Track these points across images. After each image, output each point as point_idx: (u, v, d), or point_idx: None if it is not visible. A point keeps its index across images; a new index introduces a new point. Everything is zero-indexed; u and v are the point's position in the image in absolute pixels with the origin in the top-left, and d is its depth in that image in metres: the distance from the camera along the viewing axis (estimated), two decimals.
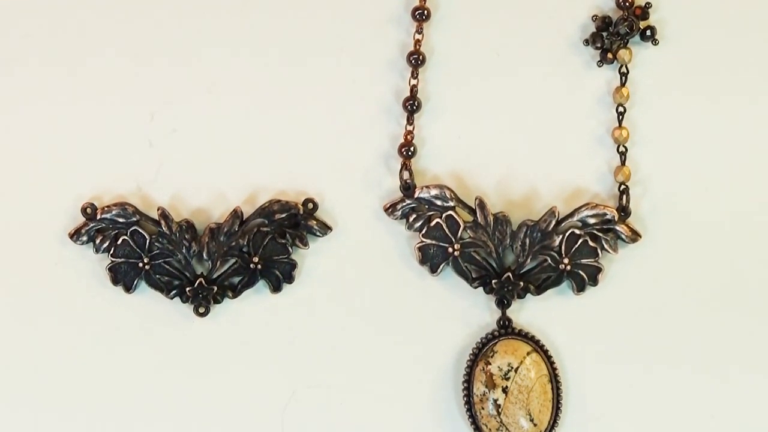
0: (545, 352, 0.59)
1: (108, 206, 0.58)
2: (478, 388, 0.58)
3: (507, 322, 0.59)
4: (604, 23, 0.59)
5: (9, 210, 0.60)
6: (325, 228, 0.59)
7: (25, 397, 0.60)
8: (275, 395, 0.60)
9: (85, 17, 0.61)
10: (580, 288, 0.59)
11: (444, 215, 0.59)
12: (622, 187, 0.59)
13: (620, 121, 0.60)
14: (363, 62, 0.60)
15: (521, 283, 0.59)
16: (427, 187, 0.59)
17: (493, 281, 0.59)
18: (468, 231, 0.59)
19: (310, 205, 0.59)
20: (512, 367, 0.58)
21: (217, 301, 0.59)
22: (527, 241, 0.59)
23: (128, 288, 0.59)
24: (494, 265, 0.59)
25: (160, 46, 0.61)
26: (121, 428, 0.60)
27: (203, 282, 0.59)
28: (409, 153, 0.59)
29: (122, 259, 0.58)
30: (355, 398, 0.60)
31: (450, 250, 0.59)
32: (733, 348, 0.60)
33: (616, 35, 0.59)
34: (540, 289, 0.59)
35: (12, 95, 0.60)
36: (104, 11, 0.61)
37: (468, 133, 0.60)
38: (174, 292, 0.59)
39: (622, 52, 0.59)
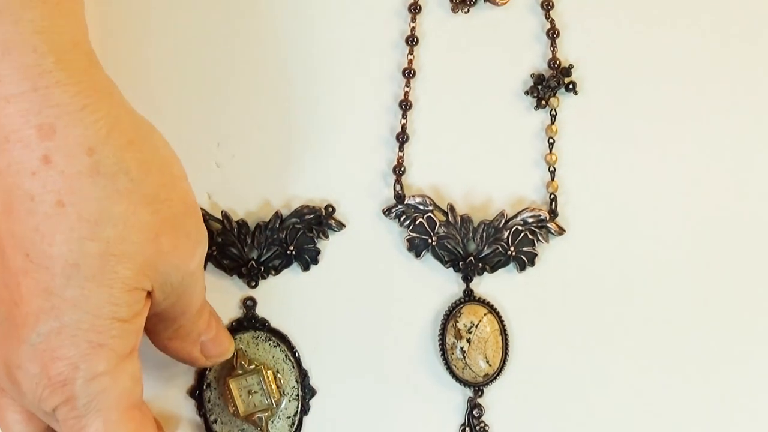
0: (497, 313, 0.64)
1: None
2: (450, 339, 0.63)
3: (470, 292, 0.64)
4: (539, 79, 0.63)
5: None
6: (341, 225, 0.64)
7: None
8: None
9: (178, 74, 0.64)
10: (522, 268, 0.64)
11: (425, 216, 0.63)
12: (552, 196, 0.64)
13: (551, 149, 0.64)
14: (369, 108, 0.64)
15: (480, 265, 0.63)
16: (413, 196, 0.63)
17: (460, 263, 0.63)
18: (442, 227, 0.63)
19: (330, 209, 0.63)
20: (474, 324, 0.62)
21: (263, 278, 0.63)
22: (484, 234, 0.63)
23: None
24: (461, 251, 0.63)
25: (223, 95, 0.63)
26: None
27: (254, 264, 0.63)
28: (401, 172, 0.64)
29: None
30: (361, 345, 0.64)
31: (429, 241, 0.63)
32: (633, 307, 0.64)
33: (547, 88, 0.63)
34: (493, 269, 0.64)
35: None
36: (191, 71, 0.64)
37: (443, 158, 0.64)
38: (233, 270, 0.63)
39: (552, 100, 0.63)
